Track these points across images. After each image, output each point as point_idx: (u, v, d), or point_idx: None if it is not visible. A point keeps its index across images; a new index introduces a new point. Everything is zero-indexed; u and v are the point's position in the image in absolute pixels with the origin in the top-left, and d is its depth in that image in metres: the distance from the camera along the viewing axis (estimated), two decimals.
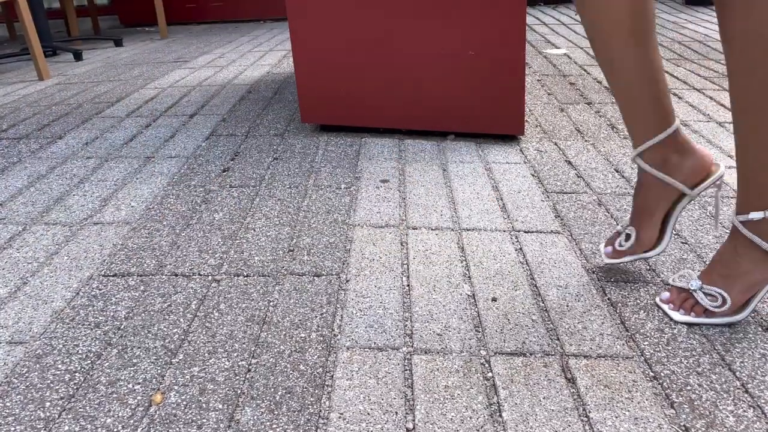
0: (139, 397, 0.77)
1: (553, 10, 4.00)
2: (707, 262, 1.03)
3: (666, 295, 0.93)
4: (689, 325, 0.88)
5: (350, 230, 1.18)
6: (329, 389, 0.78)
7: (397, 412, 0.74)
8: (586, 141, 1.62)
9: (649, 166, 0.92)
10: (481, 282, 1.00)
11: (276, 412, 0.74)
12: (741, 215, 0.84)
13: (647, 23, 0.84)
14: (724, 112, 1.81)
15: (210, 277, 1.04)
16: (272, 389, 0.78)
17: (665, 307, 0.92)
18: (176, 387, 0.79)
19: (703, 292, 0.88)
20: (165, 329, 0.91)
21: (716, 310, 0.87)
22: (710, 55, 2.53)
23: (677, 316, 0.90)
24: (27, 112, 2.12)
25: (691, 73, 2.25)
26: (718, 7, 0.77)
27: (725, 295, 0.86)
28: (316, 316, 0.92)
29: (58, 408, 0.76)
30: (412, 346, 0.85)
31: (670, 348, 0.83)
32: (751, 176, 0.82)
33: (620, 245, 0.98)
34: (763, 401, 0.74)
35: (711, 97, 1.95)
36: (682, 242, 1.10)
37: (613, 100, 1.96)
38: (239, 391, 0.78)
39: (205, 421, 0.73)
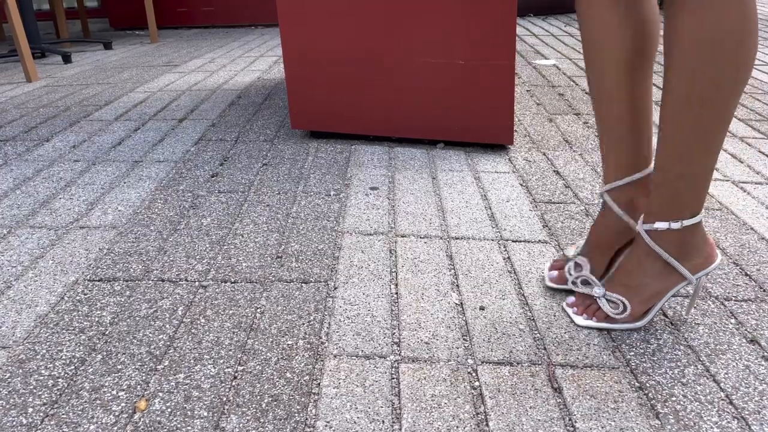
0: (123, 404, 0.77)
1: (543, 21, 4.04)
2: None
3: (571, 299, 0.94)
4: (591, 329, 0.90)
5: (339, 237, 1.18)
6: (316, 397, 0.77)
7: (383, 421, 0.73)
8: (574, 151, 1.63)
9: (616, 205, 0.92)
10: (469, 291, 1.00)
11: (262, 420, 0.74)
12: (647, 224, 0.85)
13: (646, 61, 0.85)
14: None
15: (197, 283, 1.03)
16: (258, 397, 0.78)
17: (570, 311, 0.93)
18: (161, 394, 0.78)
19: (606, 299, 0.90)
20: (150, 335, 0.90)
21: (617, 317, 0.89)
22: None
23: (580, 320, 0.91)
24: (14, 113, 2.10)
25: None
26: (666, 10, 0.77)
27: (626, 303, 0.88)
28: (304, 324, 0.92)
29: (41, 414, 0.75)
30: (399, 355, 0.85)
31: (655, 359, 0.84)
32: (667, 184, 0.81)
33: (569, 273, 0.96)
34: (747, 412, 0.74)
35: None
36: None
37: None
38: (225, 399, 0.77)
39: (189, 428, 0.73)
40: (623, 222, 0.93)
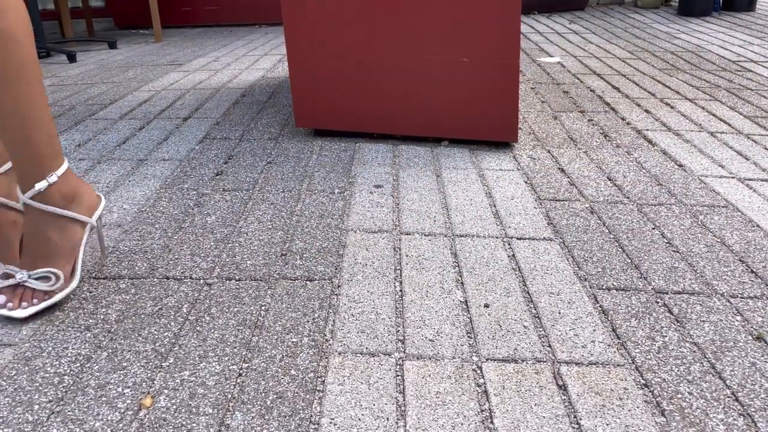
0: (128, 401, 0.77)
1: (547, 18, 4.03)
2: (697, 271, 1.04)
3: (1, 299, 0.92)
4: (35, 315, 0.93)
5: (343, 235, 1.18)
6: (320, 394, 0.77)
7: (388, 418, 0.73)
8: (579, 149, 1.63)
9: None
10: (473, 288, 1.00)
11: (267, 417, 0.74)
12: (27, 192, 0.91)
13: None
14: (716, 122, 1.82)
15: (202, 281, 1.03)
16: (263, 394, 0.78)
17: (4, 311, 0.91)
18: (166, 391, 0.78)
19: (34, 279, 0.92)
20: (155, 333, 0.90)
21: (54, 288, 0.93)
22: (702, 66, 2.55)
23: (22, 313, 0.91)
24: None
25: (684, 83, 2.27)
26: None
27: (56, 271, 0.92)
28: (308, 321, 0.92)
29: (47, 411, 0.75)
30: (404, 352, 0.85)
31: (661, 356, 0.84)
32: (15, 153, 0.90)
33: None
34: (753, 410, 0.74)
35: (703, 107, 1.96)
36: (674, 251, 1.10)
37: (606, 109, 1.97)
38: (230, 396, 0.77)
39: (195, 425, 0.73)
40: (7, 211, 0.99)
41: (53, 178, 0.92)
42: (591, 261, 1.08)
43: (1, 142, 0.92)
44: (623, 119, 1.87)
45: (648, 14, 4.09)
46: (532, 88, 2.25)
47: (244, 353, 0.85)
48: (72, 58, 3.06)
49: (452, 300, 0.97)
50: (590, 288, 1.00)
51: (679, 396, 0.76)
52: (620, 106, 2.01)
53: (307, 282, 1.02)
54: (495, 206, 1.29)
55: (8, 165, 0.99)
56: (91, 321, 0.93)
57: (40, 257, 0.93)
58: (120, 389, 0.79)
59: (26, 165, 0.90)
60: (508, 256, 1.10)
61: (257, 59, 2.94)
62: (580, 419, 0.73)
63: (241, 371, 0.82)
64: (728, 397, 0.76)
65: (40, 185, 0.91)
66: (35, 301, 0.92)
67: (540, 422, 0.72)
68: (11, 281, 0.92)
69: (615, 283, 1.01)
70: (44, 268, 0.92)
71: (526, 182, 1.42)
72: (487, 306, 0.95)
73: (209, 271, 1.06)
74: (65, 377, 0.81)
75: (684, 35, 3.27)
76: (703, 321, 0.91)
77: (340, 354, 0.85)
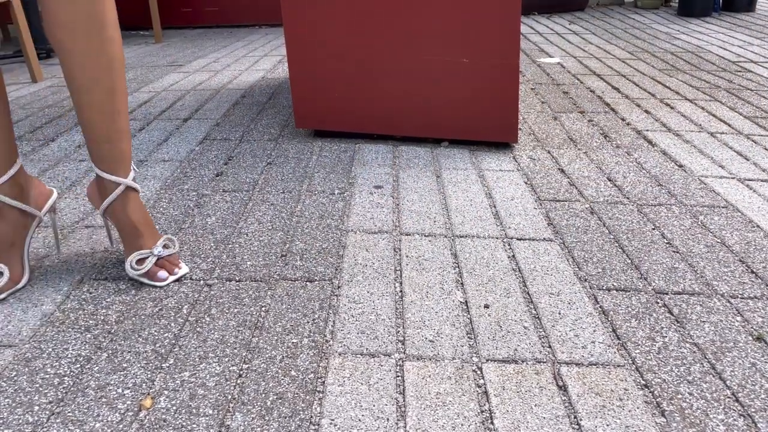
0: (128, 402, 0.77)
1: (547, 19, 4.03)
2: (697, 271, 1.04)
3: (162, 274, 1.02)
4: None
5: (343, 236, 1.18)
6: (321, 395, 0.77)
7: (388, 419, 0.73)
8: (578, 149, 1.63)
9: (9, 198, 1.00)
10: (473, 289, 1.00)
11: (267, 418, 0.74)
12: (127, 175, 1.01)
13: None
14: (716, 122, 1.82)
15: (202, 282, 1.03)
16: (263, 395, 0.78)
17: (173, 277, 1.03)
18: (166, 392, 0.78)
19: (164, 245, 1.05)
20: (155, 333, 0.90)
21: (175, 251, 1.05)
22: (702, 66, 2.55)
23: (182, 271, 1.05)
24: (20, 114, 2.11)
25: (684, 84, 2.27)
26: None
27: (170, 236, 1.09)
28: (308, 322, 0.92)
29: (47, 412, 0.75)
30: (404, 353, 0.85)
31: (661, 356, 0.84)
32: (105, 145, 0.97)
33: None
34: (753, 410, 0.74)
35: (703, 108, 1.96)
36: (674, 251, 1.10)
37: (606, 109, 1.97)
38: (230, 397, 0.77)
39: (195, 426, 0.73)
40: (19, 214, 1.02)
41: (133, 164, 1.05)
42: (591, 261, 1.08)
43: (110, 133, 0.98)
44: (623, 120, 1.87)
45: (648, 15, 4.09)
46: (532, 89, 2.25)
47: (244, 354, 0.85)
48: None
49: (452, 301, 0.97)
50: (590, 288, 1.00)
51: (680, 396, 0.76)
52: (620, 106, 2.01)
53: (307, 283, 1.02)
54: (495, 207, 1.29)
55: (13, 170, 0.99)
56: (91, 322, 0.93)
57: (152, 228, 1.05)
58: (120, 390, 0.79)
59: (126, 153, 1.00)
60: (508, 257, 1.10)
61: (257, 60, 2.94)
62: (581, 420, 0.73)
63: (241, 372, 0.82)
64: (728, 397, 0.76)
65: (134, 168, 1.03)
66: (179, 263, 1.06)
67: (540, 423, 0.72)
68: (152, 259, 1.02)
69: (615, 284, 1.01)
70: (160, 238, 1.05)
71: (526, 183, 1.42)
72: (487, 307, 0.95)
73: (209, 271, 1.06)
74: (65, 378, 0.81)
75: (684, 36, 3.27)
76: (704, 321, 0.91)
77: (340, 355, 0.85)
